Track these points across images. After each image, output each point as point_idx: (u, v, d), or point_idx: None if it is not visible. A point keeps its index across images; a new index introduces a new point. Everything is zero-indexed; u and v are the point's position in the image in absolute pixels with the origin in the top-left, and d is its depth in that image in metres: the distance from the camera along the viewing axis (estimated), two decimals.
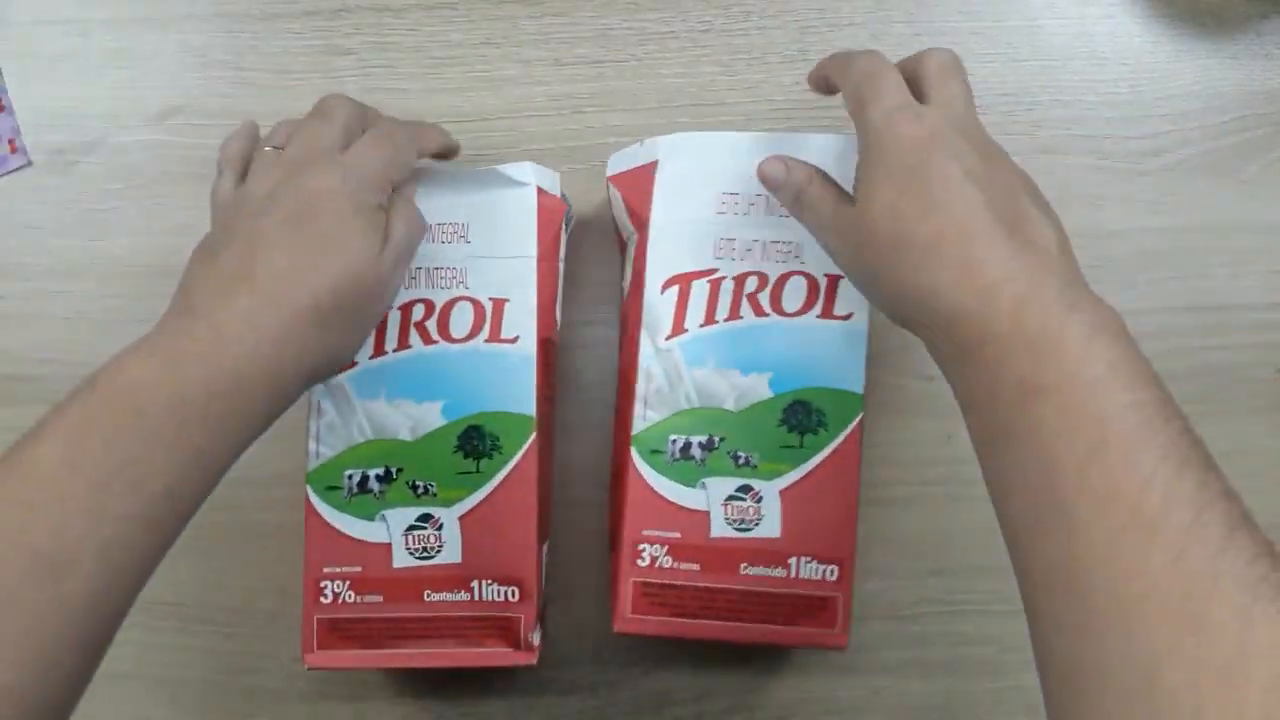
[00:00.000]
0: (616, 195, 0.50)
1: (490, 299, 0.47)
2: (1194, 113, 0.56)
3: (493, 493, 0.46)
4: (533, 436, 0.46)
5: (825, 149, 0.47)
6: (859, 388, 0.47)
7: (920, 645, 0.53)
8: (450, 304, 0.47)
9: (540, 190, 0.48)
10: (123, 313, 0.55)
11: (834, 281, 0.47)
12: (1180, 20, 0.56)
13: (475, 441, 0.46)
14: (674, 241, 0.47)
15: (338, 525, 0.47)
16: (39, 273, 0.56)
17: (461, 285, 0.47)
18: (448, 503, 0.46)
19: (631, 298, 0.49)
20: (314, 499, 0.47)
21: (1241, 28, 0.56)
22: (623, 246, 0.53)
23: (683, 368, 0.47)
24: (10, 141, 0.56)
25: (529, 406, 0.46)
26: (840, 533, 0.47)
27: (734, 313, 0.47)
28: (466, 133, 0.56)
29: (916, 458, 0.54)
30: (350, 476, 0.47)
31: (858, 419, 0.47)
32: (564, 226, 0.50)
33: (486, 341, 0.47)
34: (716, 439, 0.47)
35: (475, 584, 0.46)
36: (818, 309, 0.47)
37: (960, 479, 0.54)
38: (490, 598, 0.46)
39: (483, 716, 0.53)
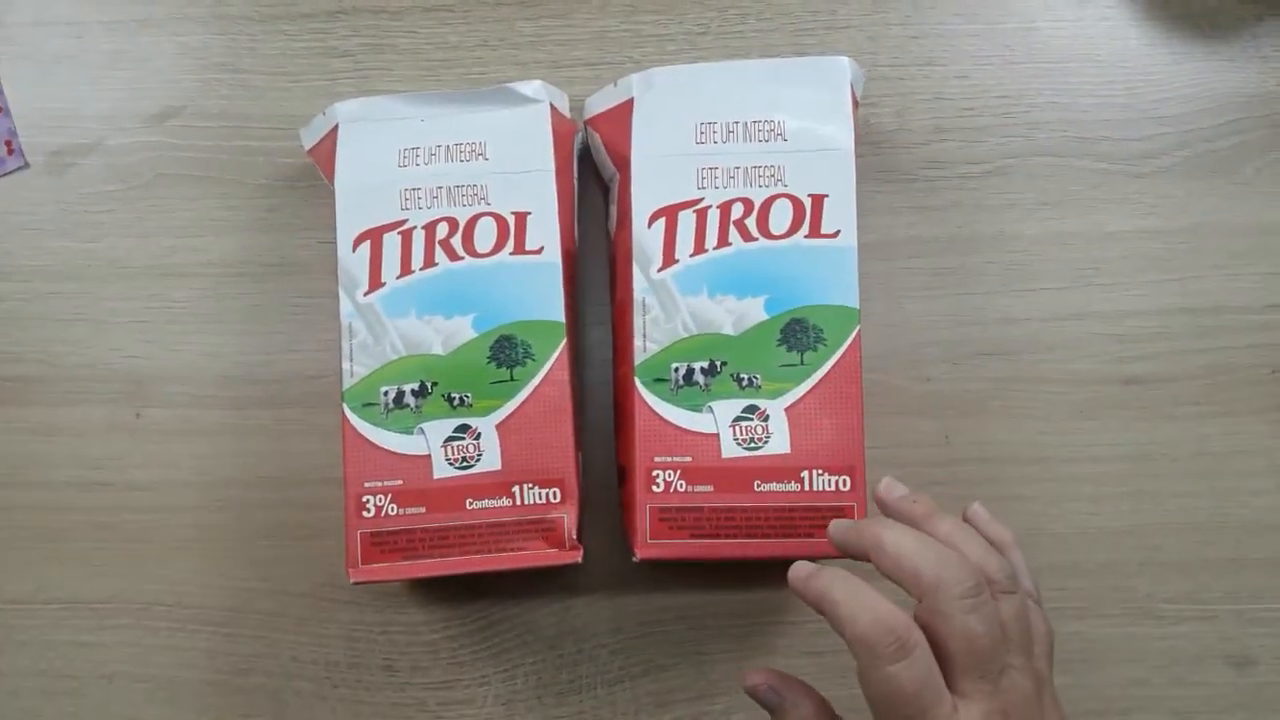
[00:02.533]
0: (596, 137, 0.51)
1: (512, 213, 0.48)
2: (1190, 115, 0.56)
3: (528, 399, 0.47)
4: (563, 342, 0.47)
5: (796, 74, 0.49)
6: (854, 301, 0.47)
7: None
8: (473, 220, 0.48)
9: (552, 107, 0.49)
10: (120, 314, 0.56)
11: (819, 201, 0.48)
12: (1176, 23, 0.57)
13: (508, 350, 0.47)
14: (657, 175, 0.48)
15: (376, 440, 0.47)
16: (36, 274, 0.56)
17: (483, 201, 0.48)
18: (484, 412, 0.47)
19: (620, 234, 0.50)
20: (351, 416, 0.47)
21: (1237, 30, 0.56)
22: (605, 190, 0.53)
23: (677, 298, 0.48)
24: (7, 143, 0.56)
25: (558, 313, 0.47)
26: (849, 444, 0.47)
27: (723, 240, 0.48)
28: None
29: (916, 459, 0.54)
30: (386, 393, 0.47)
31: (855, 331, 0.47)
32: (574, 147, 0.51)
33: (512, 254, 0.48)
34: (718, 363, 0.47)
35: (516, 489, 0.47)
36: (805, 229, 0.48)
37: (960, 480, 0.54)
38: (532, 500, 0.47)
39: (482, 718, 0.53)
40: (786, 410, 0.47)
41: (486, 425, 0.47)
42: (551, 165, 0.48)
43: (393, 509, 0.47)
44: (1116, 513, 0.53)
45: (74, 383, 0.55)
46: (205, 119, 0.57)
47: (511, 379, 0.47)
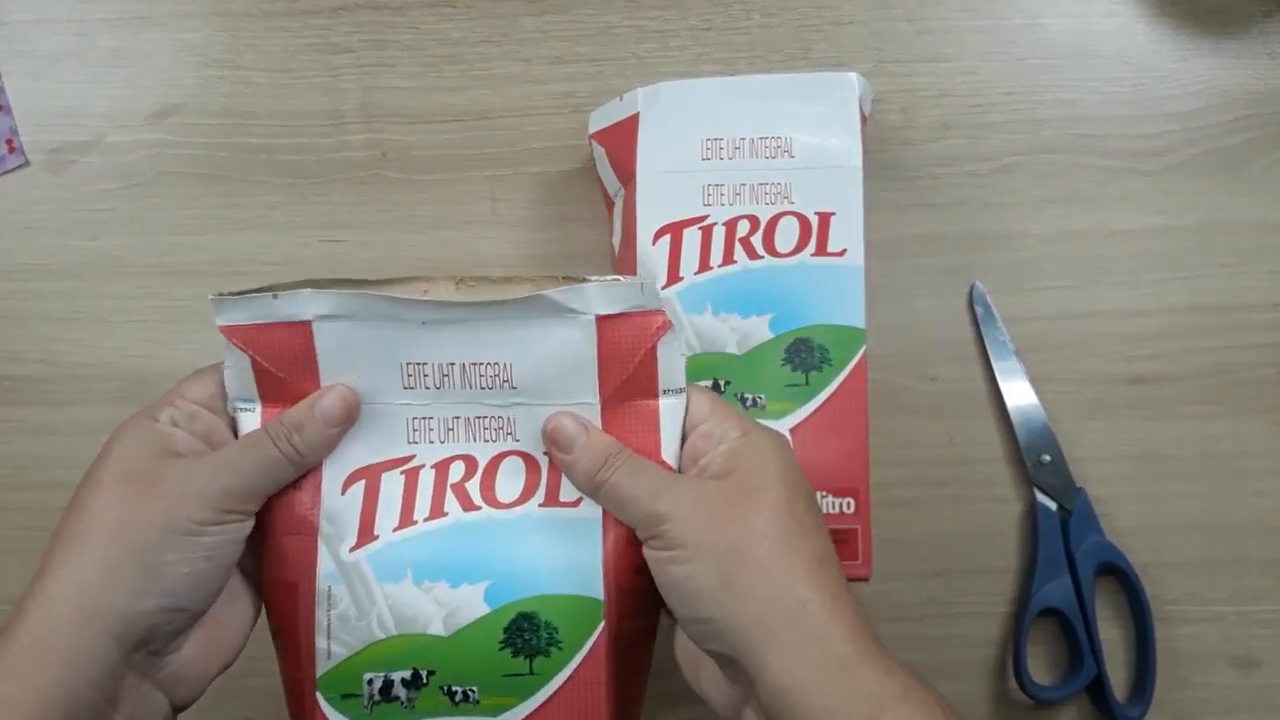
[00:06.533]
0: (601, 152, 0.51)
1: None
2: (1197, 112, 0.55)
3: (549, 700, 0.38)
4: (601, 627, 0.37)
5: (804, 89, 0.48)
6: (860, 321, 0.47)
7: (925, 647, 0.53)
8: (497, 459, 0.38)
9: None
10: (120, 313, 0.55)
11: (825, 219, 0.47)
12: (1183, 19, 0.56)
13: (526, 634, 0.37)
14: (662, 191, 0.48)
15: None
16: (36, 273, 0.56)
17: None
18: (494, 711, 0.38)
19: (623, 251, 0.49)
20: (326, 709, 0.38)
21: (1245, 27, 0.56)
22: (609, 205, 0.53)
23: (681, 315, 0.47)
24: (8, 141, 0.56)
25: (596, 588, 0.37)
26: (853, 465, 0.46)
27: (728, 258, 0.47)
28: (465, 131, 0.56)
29: (920, 459, 0.54)
30: (370, 681, 0.38)
31: (861, 352, 0.46)
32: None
33: (541, 506, 0.38)
34: (722, 382, 0.47)
35: None
36: (811, 247, 0.47)
37: (963, 481, 0.54)
38: None
39: None
40: (791, 431, 0.46)
41: None
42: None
43: None
44: (1121, 513, 0.53)
45: (74, 382, 0.55)
46: (206, 116, 0.56)
47: (531, 672, 0.38)
